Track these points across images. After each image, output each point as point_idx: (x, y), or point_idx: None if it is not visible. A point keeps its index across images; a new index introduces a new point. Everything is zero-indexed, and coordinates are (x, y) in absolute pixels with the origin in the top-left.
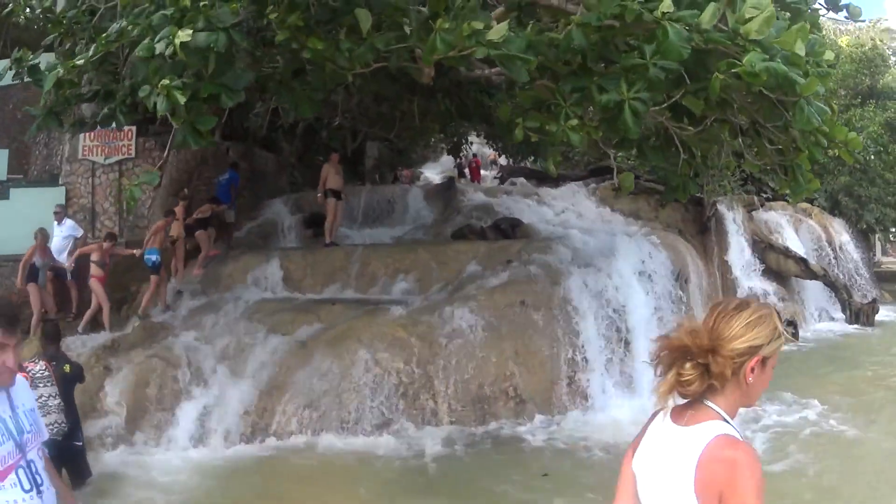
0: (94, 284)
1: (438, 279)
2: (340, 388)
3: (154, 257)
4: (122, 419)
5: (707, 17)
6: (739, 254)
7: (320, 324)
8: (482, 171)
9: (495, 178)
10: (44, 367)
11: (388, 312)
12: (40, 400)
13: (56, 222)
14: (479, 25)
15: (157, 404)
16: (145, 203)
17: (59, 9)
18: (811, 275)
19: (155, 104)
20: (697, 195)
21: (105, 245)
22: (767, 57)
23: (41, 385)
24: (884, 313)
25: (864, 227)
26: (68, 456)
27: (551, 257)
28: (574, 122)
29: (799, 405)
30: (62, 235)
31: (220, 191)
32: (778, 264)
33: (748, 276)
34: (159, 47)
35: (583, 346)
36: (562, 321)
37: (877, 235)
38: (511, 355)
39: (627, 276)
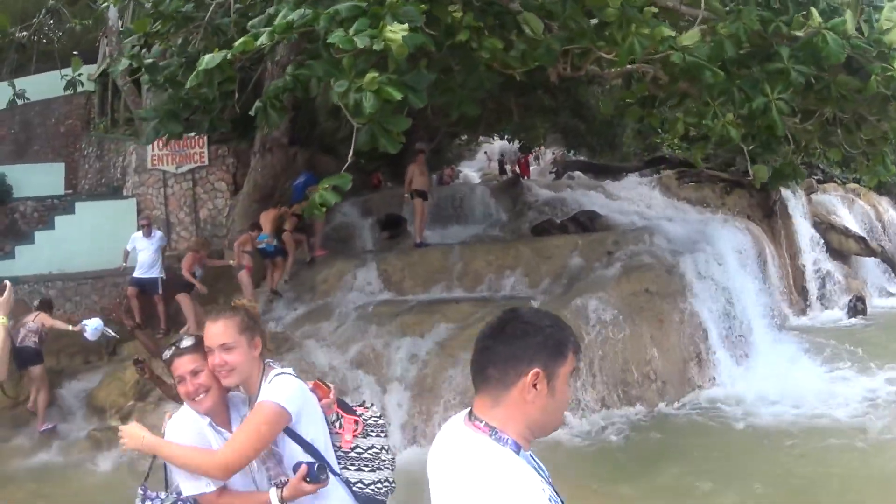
0: (182, 298)
1: (546, 274)
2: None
3: (272, 242)
4: None
5: (849, 24)
6: (805, 235)
7: (450, 323)
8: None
9: (550, 172)
10: (378, 414)
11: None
12: (370, 451)
13: (143, 235)
14: (670, 31)
15: None
16: (222, 212)
17: (172, 4)
18: (870, 252)
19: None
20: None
21: (200, 254)
22: None
23: (373, 434)
24: None
25: None
26: None
27: (648, 246)
28: (730, 117)
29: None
30: (153, 248)
31: (297, 194)
32: (839, 244)
33: (814, 257)
34: (361, 42)
35: (703, 327)
36: (682, 305)
37: None
38: (648, 341)
39: (729, 259)
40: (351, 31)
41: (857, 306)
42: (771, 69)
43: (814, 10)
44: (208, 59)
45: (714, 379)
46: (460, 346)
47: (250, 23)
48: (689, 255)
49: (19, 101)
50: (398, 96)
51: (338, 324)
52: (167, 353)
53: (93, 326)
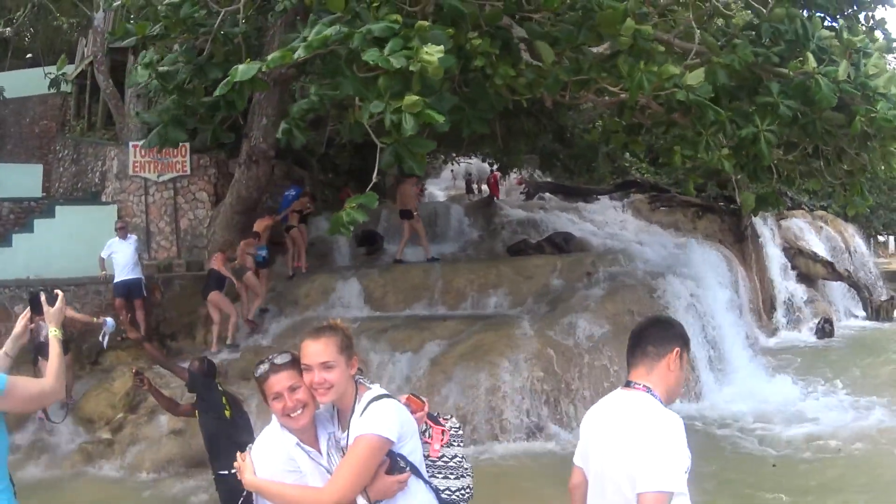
0: (216, 296)
1: (528, 293)
2: (489, 400)
3: (264, 252)
4: None
5: (841, 72)
6: (775, 260)
7: (441, 339)
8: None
9: (521, 193)
10: (457, 425)
11: (514, 326)
12: (454, 460)
13: (119, 238)
14: (676, 70)
15: None
16: (203, 222)
17: (184, 10)
18: (837, 276)
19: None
20: (733, 207)
21: (227, 253)
22: (892, 105)
23: (455, 444)
24: None
25: (874, 232)
26: None
27: (626, 268)
28: (726, 150)
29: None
30: (131, 249)
31: (286, 205)
32: (807, 268)
33: (784, 281)
34: (397, 62)
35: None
36: None
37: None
38: None
39: (706, 281)
40: (386, 51)
41: (825, 328)
42: (760, 102)
43: (810, 56)
44: (243, 70)
45: (697, 396)
46: (453, 363)
47: (284, 40)
48: (669, 277)
49: None
50: (440, 119)
51: None
52: (262, 369)
53: (110, 325)
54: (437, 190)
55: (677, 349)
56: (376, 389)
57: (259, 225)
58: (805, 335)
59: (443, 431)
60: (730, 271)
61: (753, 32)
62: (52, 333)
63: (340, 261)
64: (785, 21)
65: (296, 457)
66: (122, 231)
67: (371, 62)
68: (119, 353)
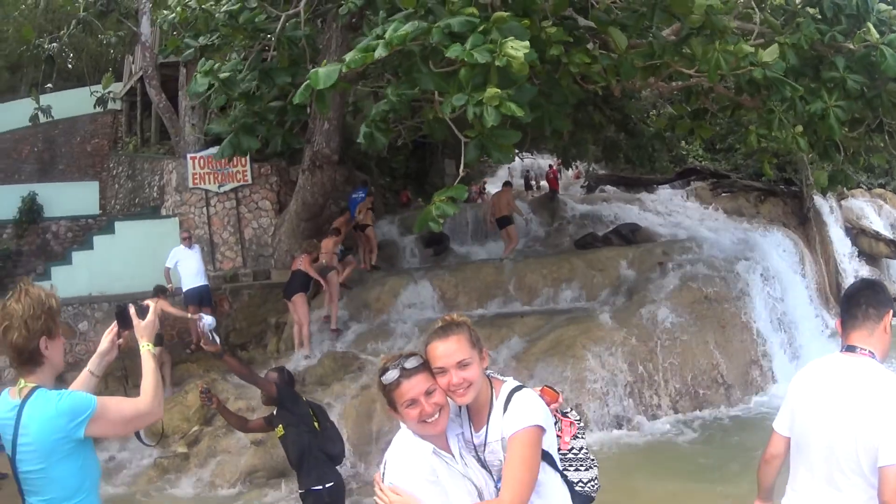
0: (299, 298)
1: (602, 285)
2: (575, 393)
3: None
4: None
5: None
6: (839, 241)
7: (520, 336)
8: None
9: (582, 186)
10: (578, 417)
11: (593, 319)
12: (582, 452)
13: (185, 247)
14: (749, 48)
15: (383, 438)
16: (268, 230)
17: (243, 17)
18: None
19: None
20: (794, 189)
21: (312, 255)
22: None
23: (580, 436)
24: None
25: None
26: None
27: (698, 256)
28: (800, 128)
29: None
30: (197, 257)
31: (353, 207)
32: (870, 247)
33: (849, 261)
34: (481, 57)
35: (762, 332)
36: (741, 311)
37: None
38: (713, 346)
39: (777, 266)
40: (468, 46)
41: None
42: (827, 77)
43: (871, 26)
44: (324, 75)
45: (774, 381)
46: (535, 359)
47: (359, 43)
48: (741, 263)
49: (43, 118)
50: (521, 113)
51: (404, 341)
52: (391, 376)
53: (209, 320)
54: (495, 188)
55: (890, 311)
56: (511, 381)
57: (339, 222)
58: None
59: (571, 423)
60: (797, 254)
61: (814, 10)
62: (146, 348)
63: (408, 263)
64: None
65: (435, 465)
66: (188, 240)
67: (455, 57)
68: (189, 365)
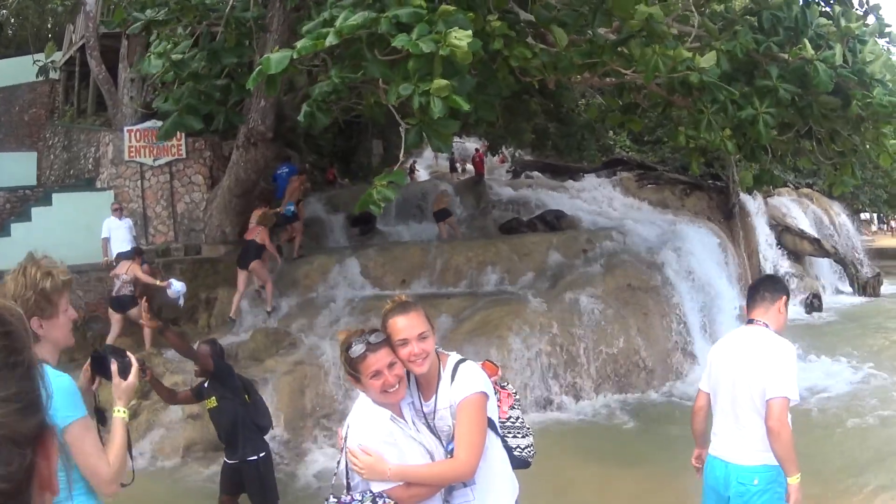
0: (258, 265)
1: (526, 270)
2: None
3: (291, 208)
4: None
5: (838, 57)
6: (763, 237)
7: (447, 315)
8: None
9: (508, 171)
10: (514, 390)
11: (519, 302)
12: (518, 421)
13: (116, 217)
14: (687, 54)
15: (316, 413)
16: (199, 205)
17: None
18: (824, 253)
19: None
20: (720, 184)
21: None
22: (887, 91)
23: (517, 406)
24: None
25: (860, 207)
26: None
27: (622, 244)
28: (728, 132)
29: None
30: (125, 227)
31: (281, 183)
32: (794, 245)
33: (771, 257)
34: (427, 46)
35: (684, 319)
36: (664, 299)
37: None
38: (636, 333)
39: (701, 257)
40: (414, 36)
41: (813, 303)
42: (760, 85)
43: (806, 42)
44: (276, 60)
45: (695, 367)
46: (462, 338)
47: (305, 27)
48: (665, 252)
49: None
50: (465, 106)
51: (332, 318)
52: (358, 349)
53: (179, 286)
54: (420, 168)
55: (784, 297)
56: (455, 355)
57: (256, 216)
58: (793, 310)
59: (508, 395)
60: (720, 247)
61: (753, 18)
62: (119, 414)
63: (334, 241)
64: (783, 8)
65: (392, 430)
66: (118, 212)
67: (401, 47)
68: (124, 339)
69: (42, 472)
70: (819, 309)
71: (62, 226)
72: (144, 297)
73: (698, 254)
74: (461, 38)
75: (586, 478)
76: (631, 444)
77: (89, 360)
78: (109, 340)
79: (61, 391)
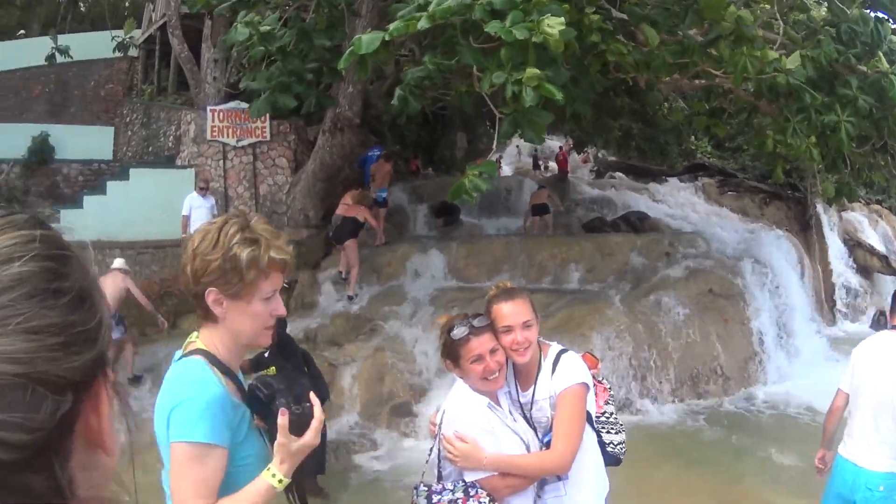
0: (351, 244)
1: (609, 270)
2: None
3: (384, 194)
4: (357, 419)
5: None
6: (837, 251)
7: None
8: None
9: (591, 171)
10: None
11: (602, 301)
12: (612, 417)
13: (200, 195)
14: (775, 55)
15: (392, 400)
16: (283, 188)
17: None
18: (892, 271)
19: (514, 93)
20: (798, 195)
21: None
22: None
23: (611, 402)
24: None
25: None
26: None
27: (703, 249)
28: (813, 139)
29: None
30: (207, 207)
31: (369, 164)
32: (864, 260)
33: (844, 271)
34: (520, 33)
35: (760, 329)
36: (743, 306)
37: None
38: (714, 338)
39: (779, 266)
40: (507, 23)
41: (880, 320)
42: (841, 94)
43: (882, 55)
44: (367, 41)
45: (767, 377)
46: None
47: (398, 10)
48: (745, 260)
49: (60, 58)
50: (558, 95)
51: (413, 307)
52: (461, 332)
53: None
54: (503, 165)
55: None
56: (556, 345)
57: (354, 196)
58: (861, 326)
59: (604, 389)
60: (797, 259)
61: (832, 30)
62: (270, 479)
63: (418, 231)
64: (859, 23)
65: (489, 417)
66: (204, 190)
67: (493, 33)
68: (191, 316)
69: (91, 424)
70: (885, 326)
71: (137, 201)
72: None
73: (777, 264)
74: (553, 26)
75: (670, 482)
76: (712, 450)
77: (243, 389)
78: None
79: (195, 402)
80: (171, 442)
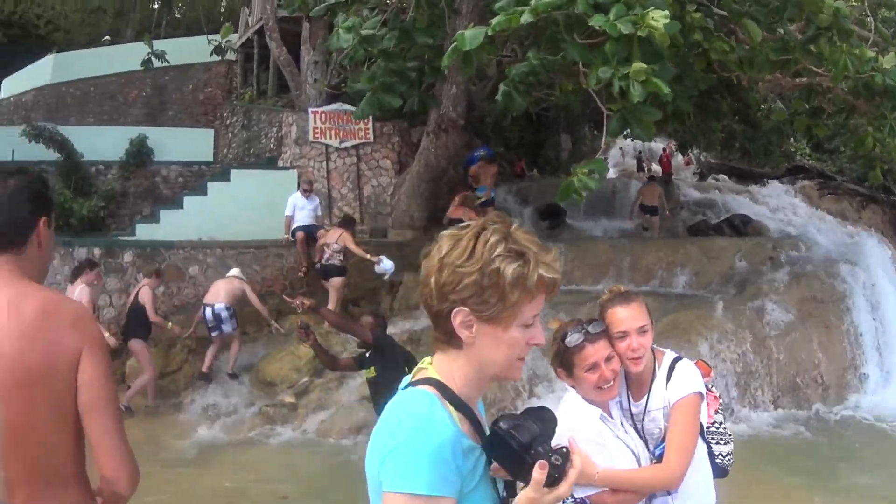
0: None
1: (714, 274)
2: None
3: (493, 194)
4: None
5: None
6: None
7: None
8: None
9: (694, 173)
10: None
11: (708, 306)
12: (722, 426)
13: (304, 196)
14: (871, 54)
15: (495, 406)
16: (387, 190)
17: None
18: None
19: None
20: (894, 199)
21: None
22: None
23: (721, 412)
24: None
25: None
26: None
27: (806, 254)
28: None
29: None
30: (311, 208)
31: (474, 163)
32: None
33: None
34: (625, 27)
35: (860, 337)
36: (845, 313)
37: None
38: (816, 346)
39: (877, 273)
40: (611, 16)
41: None
42: None
43: None
44: (470, 37)
45: (866, 387)
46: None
47: (499, 5)
48: (847, 266)
49: (157, 63)
50: (666, 90)
51: None
52: (576, 339)
53: (388, 265)
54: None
55: None
56: (671, 352)
57: (461, 197)
58: None
59: (715, 398)
60: (893, 266)
61: None
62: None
63: None
64: None
65: (601, 429)
66: (308, 192)
67: (597, 27)
68: (301, 317)
69: None
70: None
71: (238, 202)
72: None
73: (876, 270)
74: (658, 20)
75: (773, 493)
76: (817, 459)
77: (481, 428)
78: (330, 306)
79: (418, 446)
80: (384, 491)
